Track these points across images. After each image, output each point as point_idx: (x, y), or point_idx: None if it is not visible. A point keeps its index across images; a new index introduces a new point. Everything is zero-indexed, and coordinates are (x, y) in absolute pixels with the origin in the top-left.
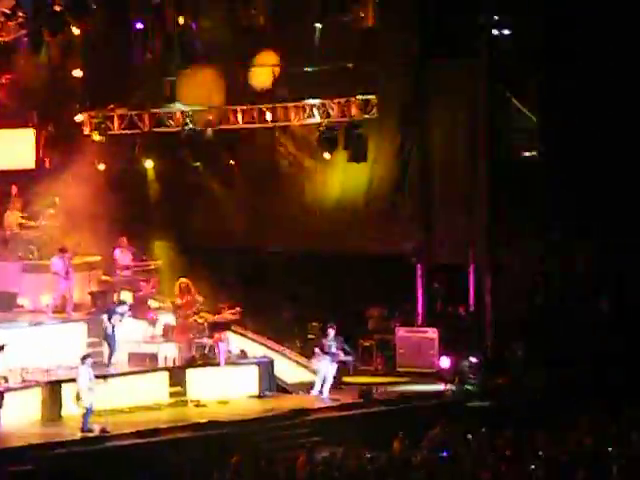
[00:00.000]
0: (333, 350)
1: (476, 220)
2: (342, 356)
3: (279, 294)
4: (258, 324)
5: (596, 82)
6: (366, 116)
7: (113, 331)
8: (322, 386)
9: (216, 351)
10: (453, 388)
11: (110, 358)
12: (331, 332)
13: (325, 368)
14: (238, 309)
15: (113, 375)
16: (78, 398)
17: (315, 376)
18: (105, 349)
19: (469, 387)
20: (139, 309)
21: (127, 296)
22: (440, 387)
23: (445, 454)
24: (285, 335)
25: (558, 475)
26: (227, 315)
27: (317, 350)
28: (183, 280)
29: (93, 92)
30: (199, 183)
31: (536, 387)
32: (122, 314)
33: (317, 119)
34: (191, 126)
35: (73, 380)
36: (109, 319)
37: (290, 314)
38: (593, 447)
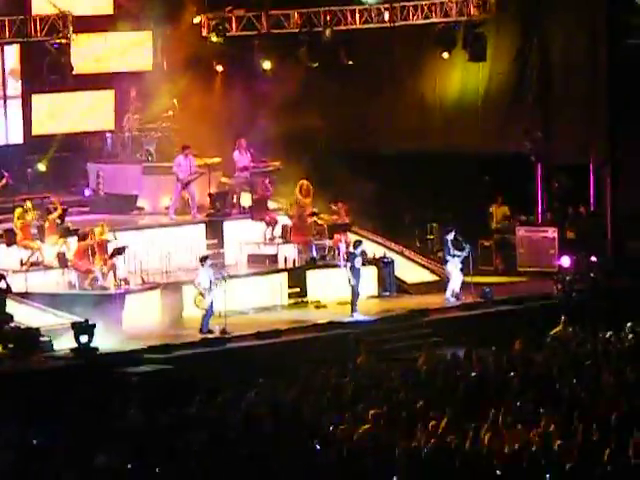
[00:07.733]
0: (453, 251)
1: (596, 120)
2: (463, 253)
3: (397, 195)
4: (377, 225)
5: None
6: (485, 15)
7: (356, 274)
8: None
9: (336, 252)
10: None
11: (353, 303)
12: (451, 234)
13: (451, 270)
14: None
15: (232, 276)
16: (198, 299)
17: (435, 276)
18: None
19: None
20: (258, 210)
21: (246, 198)
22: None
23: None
24: (404, 236)
25: None
26: (343, 216)
27: (441, 255)
28: (304, 182)
29: None
30: (316, 84)
31: None
32: (361, 255)
33: (436, 18)
34: (308, 27)
35: (193, 282)
36: (351, 264)
37: (409, 215)
38: None
